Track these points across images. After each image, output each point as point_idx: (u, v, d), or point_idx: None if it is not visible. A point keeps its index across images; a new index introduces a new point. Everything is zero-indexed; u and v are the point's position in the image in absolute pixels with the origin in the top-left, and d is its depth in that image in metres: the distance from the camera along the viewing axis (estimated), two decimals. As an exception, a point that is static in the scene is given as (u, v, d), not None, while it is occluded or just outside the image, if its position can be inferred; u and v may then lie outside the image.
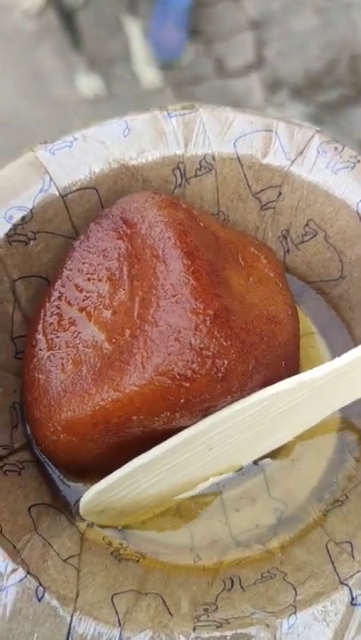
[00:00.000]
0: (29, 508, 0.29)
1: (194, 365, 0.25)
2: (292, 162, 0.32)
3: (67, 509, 0.31)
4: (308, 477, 0.32)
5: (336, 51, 1.22)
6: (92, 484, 0.29)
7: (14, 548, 0.26)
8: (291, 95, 1.19)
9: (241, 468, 0.32)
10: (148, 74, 1.24)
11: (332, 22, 1.21)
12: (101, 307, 0.29)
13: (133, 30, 1.20)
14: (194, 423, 0.27)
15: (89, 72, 1.23)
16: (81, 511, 0.30)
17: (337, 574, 0.26)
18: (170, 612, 0.27)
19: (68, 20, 1.17)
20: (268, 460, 0.32)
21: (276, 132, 0.32)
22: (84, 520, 0.30)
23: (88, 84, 1.23)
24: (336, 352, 0.34)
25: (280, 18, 1.25)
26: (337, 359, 0.28)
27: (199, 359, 0.25)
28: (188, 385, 0.25)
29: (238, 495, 0.32)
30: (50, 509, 0.30)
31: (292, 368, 0.29)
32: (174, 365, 0.25)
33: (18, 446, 0.31)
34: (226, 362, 0.26)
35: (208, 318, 0.26)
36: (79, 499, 0.30)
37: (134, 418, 0.26)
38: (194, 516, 0.32)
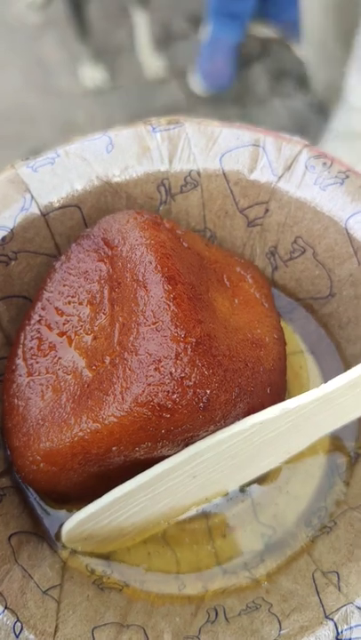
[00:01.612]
0: (9, 537, 0.28)
1: (174, 396, 0.24)
2: (280, 178, 0.31)
3: (48, 537, 0.30)
4: (297, 501, 0.31)
5: None
6: (74, 511, 0.29)
7: (-8, 581, 0.26)
8: (295, 85, 1.18)
9: (227, 494, 0.31)
10: (153, 64, 1.23)
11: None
12: (82, 331, 0.28)
13: (140, 21, 1.20)
14: (176, 452, 0.27)
15: (94, 63, 1.22)
16: (63, 539, 0.29)
17: (323, 607, 0.26)
18: (152, 646, 0.26)
19: (77, 10, 1.16)
20: (255, 485, 0.31)
21: (263, 147, 0.32)
22: (66, 547, 0.30)
23: (92, 75, 1.23)
24: (325, 371, 0.33)
25: None
26: (324, 385, 0.27)
27: (180, 389, 0.25)
28: (168, 416, 0.25)
29: (225, 521, 0.31)
30: (31, 537, 0.29)
31: (278, 393, 0.29)
32: (154, 396, 0.24)
33: (-1, 472, 0.30)
34: (208, 391, 0.25)
35: (189, 346, 0.25)
36: (61, 525, 0.29)
37: (114, 449, 0.26)
38: (180, 543, 0.31)
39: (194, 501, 0.30)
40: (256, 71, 1.23)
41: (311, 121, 1.17)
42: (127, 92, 1.24)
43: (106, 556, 0.30)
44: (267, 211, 0.32)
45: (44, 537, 0.30)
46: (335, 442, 0.32)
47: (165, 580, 0.30)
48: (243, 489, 0.31)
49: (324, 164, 0.31)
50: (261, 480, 0.32)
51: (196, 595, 0.29)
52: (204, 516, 0.31)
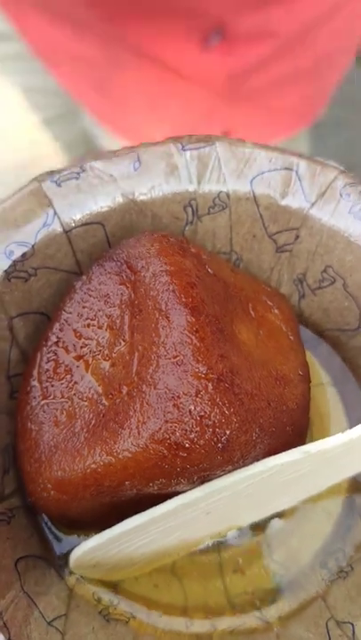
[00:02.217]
0: (16, 562, 0.28)
1: (192, 435, 0.24)
2: (313, 204, 0.30)
3: (56, 562, 0.29)
4: (313, 541, 0.30)
5: None
6: (84, 536, 0.28)
7: (-4, 611, 0.25)
8: None
9: (240, 529, 0.30)
10: None
11: None
12: (100, 357, 0.27)
13: None
14: (192, 488, 0.26)
15: None
16: (71, 565, 0.28)
17: (336, 661, 0.25)
18: None
19: None
20: (271, 520, 0.30)
21: (296, 172, 0.30)
22: (73, 574, 0.29)
23: None
24: (348, 405, 0.32)
25: None
26: (349, 431, 0.26)
27: (198, 428, 0.24)
28: (185, 455, 0.24)
29: (237, 555, 0.30)
30: (38, 561, 0.29)
31: (300, 433, 0.28)
32: (171, 434, 0.23)
33: (9, 492, 0.29)
34: (228, 432, 0.24)
35: (210, 383, 0.24)
36: (70, 551, 0.28)
37: (127, 483, 0.25)
38: (189, 575, 0.30)
39: (206, 536, 0.29)
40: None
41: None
42: None
43: (113, 585, 0.29)
44: (297, 237, 0.31)
45: (52, 562, 0.29)
46: (355, 481, 0.31)
47: (172, 612, 0.29)
48: (258, 524, 0.30)
49: None
50: (278, 516, 0.30)
51: (204, 633, 0.28)
52: (216, 549, 0.30)
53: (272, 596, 0.29)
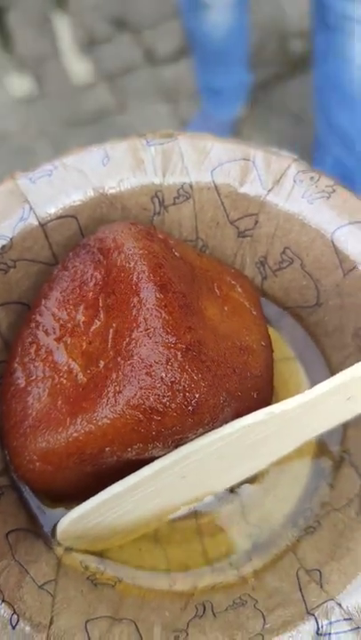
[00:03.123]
0: (7, 534, 0.29)
1: (165, 399, 0.26)
2: (269, 191, 0.33)
3: (44, 534, 0.31)
4: (284, 502, 0.33)
5: (264, 32, 1.25)
6: (69, 509, 0.30)
7: (-11, 575, 0.27)
8: None
9: (216, 495, 0.32)
10: (79, 69, 1.23)
11: (259, 4, 1.23)
12: (77, 337, 0.29)
13: (61, 26, 1.20)
14: (167, 453, 0.28)
15: (19, 72, 1.22)
16: (58, 536, 0.30)
17: (305, 603, 0.27)
18: (142, 639, 0.27)
19: None
20: (244, 486, 0.33)
21: (253, 162, 0.33)
22: (61, 545, 0.31)
23: (19, 84, 1.22)
24: (312, 377, 0.35)
25: None
26: (308, 391, 0.28)
27: (170, 393, 0.26)
28: (159, 418, 0.26)
29: (214, 520, 0.32)
30: (28, 534, 0.31)
31: (265, 399, 0.30)
32: (145, 399, 0.26)
33: (-3, 471, 0.31)
34: (197, 395, 0.26)
35: (179, 352, 0.26)
36: (56, 523, 0.30)
37: (107, 449, 0.27)
38: (170, 541, 0.32)
39: (184, 501, 0.31)
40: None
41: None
42: (56, 99, 1.24)
43: (99, 554, 0.31)
44: (256, 222, 0.33)
45: (40, 534, 0.31)
46: (321, 446, 0.33)
47: (156, 577, 0.31)
48: (232, 490, 0.33)
49: (312, 178, 0.33)
50: (250, 481, 0.33)
51: (186, 591, 0.30)
52: (194, 515, 0.32)
53: (247, 555, 0.32)
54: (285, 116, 1.17)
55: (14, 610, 0.26)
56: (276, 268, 0.34)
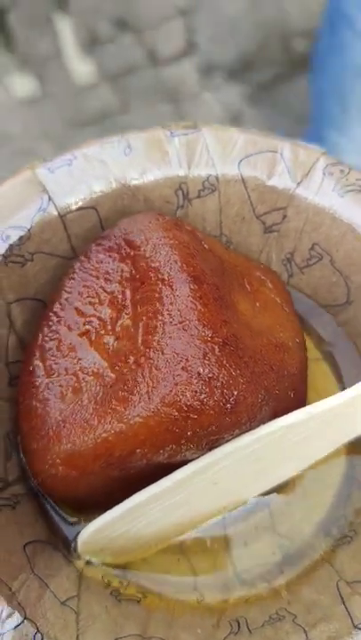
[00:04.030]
0: (24, 546, 0.27)
1: (202, 396, 0.24)
2: (298, 184, 0.31)
3: (64, 546, 0.29)
4: (315, 511, 0.31)
5: (267, 31, 1.24)
6: (90, 520, 0.28)
7: (10, 590, 0.25)
8: (226, 77, 1.20)
9: (246, 503, 0.30)
10: (81, 70, 1.23)
11: (260, 3, 1.23)
12: (103, 332, 0.27)
13: (63, 26, 1.19)
14: (199, 456, 0.26)
15: (21, 72, 1.22)
16: (79, 548, 0.28)
17: (350, 617, 0.25)
18: (174, 658, 0.25)
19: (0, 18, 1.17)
20: (273, 494, 0.31)
21: (280, 154, 0.32)
22: (81, 557, 0.29)
23: (21, 84, 1.22)
24: (343, 378, 0.33)
25: (208, 3, 1.26)
26: (348, 390, 0.26)
27: (207, 389, 0.24)
28: (195, 417, 0.24)
29: (242, 531, 0.30)
30: (46, 546, 0.28)
31: (301, 399, 0.28)
32: (182, 396, 0.24)
33: (12, 479, 0.29)
34: (235, 392, 0.24)
35: (217, 346, 0.24)
36: (77, 535, 0.28)
37: (138, 451, 0.25)
38: (196, 553, 0.30)
39: (213, 511, 0.30)
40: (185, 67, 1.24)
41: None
42: (59, 99, 1.23)
43: (122, 567, 0.29)
44: (284, 217, 0.32)
45: (59, 547, 0.29)
46: (353, 449, 0.32)
47: (183, 590, 0.29)
48: (261, 501, 0.31)
49: (342, 171, 0.31)
50: (279, 490, 0.31)
51: (216, 605, 0.28)
52: (222, 526, 0.30)
53: (278, 567, 0.30)
54: (288, 115, 1.17)
55: (37, 628, 0.24)
56: (304, 265, 0.33)
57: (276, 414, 0.26)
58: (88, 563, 0.29)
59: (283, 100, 1.20)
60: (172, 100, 1.22)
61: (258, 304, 0.29)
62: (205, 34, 1.24)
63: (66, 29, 1.20)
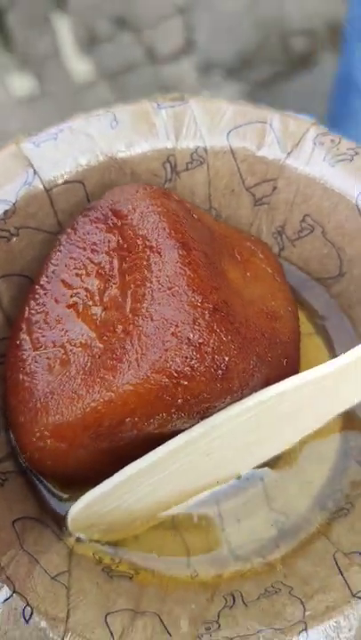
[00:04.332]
0: (13, 522, 0.27)
1: (193, 362, 0.23)
2: (288, 154, 0.31)
3: (53, 523, 0.28)
4: (310, 485, 0.30)
5: (266, 30, 1.24)
6: (79, 496, 0.27)
7: (-3, 564, 0.24)
8: (225, 76, 1.20)
9: (239, 477, 0.30)
10: (80, 68, 1.23)
11: (259, 2, 1.23)
12: (91, 303, 0.27)
13: (61, 25, 1.19)
14: (191, 426, 0.26)
15: (20, 72, 1.22)
16: (69, 525, 0.28)
17: (348, 587, 0.25)
18: (168, 632, 0.25)
19: None
20: (266, 468, 0.30)
21: (270, 124, 0.31)
22: (72, 534, 0.28)
23: (20, 83, 1.21)
24: (335, 350, 0.33)
25: (207, 1, 1.26)
26: (343, 356, 0.26)
27: (198, 355, 0.24)
28: (186, 383, 0.24)
29: (236, 506, 0.30)
30: (35, 523, 0.28)
31: (293, 367, 0.28)
32: (172, 362, 0.23)
33: (1, 456, 0.29)
34: (226, 358, 0.24)
35: (207, 312, 0.24)
36: (67, 512, 0.28)
37: (128, 420, 0.24)
38: (189, 529, 0.29)
39: (205, 484, 0.29)
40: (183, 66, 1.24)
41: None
42: (57, 98, 1.23)
43: (113, 544, 0.29)
44: (275, 188, 0.32)
45: (49, 523, 0.28)
46: (348, 422, 0.31)
47: (176, 566, 0.28)
48: (254, 472, 0.30)
49: (333, 140, 0.31)
50: (273, 464, 0.30)
51: (210, 581, 0.28)
52: (215, 501, 0.30)
53: (274, 541, 0.29)
54: None
55: (27, 602, 0.23)
56: (295, 237, 0.32)
57: (269, 382, 0.26)
58: (78, 540, 0.28)
59: (281, 99, 1.20)
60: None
61: (248, 274, 0.29)
62: (204, 32, 1.24)
63: (64, 28, 1.19)
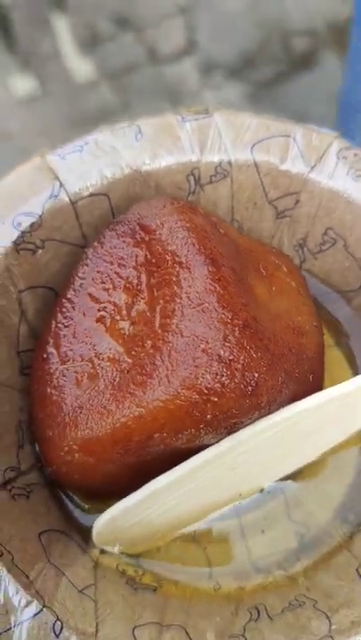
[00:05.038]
0: (39, 535, 0.27)
1: (223, 378, 0.24)
2: (312, 168, 0.31)
3: (78, 535, 0.29)
4: (331, 498, 0.31)
5: (267, 30, 1.25)
6: (104, 508, 0.27)
7: (27, 578, 0.24)
8: (226, 76, 1.20)
9: (262, 491, 0.30)
10: (81, 68, 1.23)
11: (260, 2, 1.24)
12: (118, 317, 0.27)
13: (61, 25, 1.18)
14: (217, 441, 0.26)
15: (22, 72, 1.21)
16: (94, 538, 0.28)
17: (373, 601, 0.25)
18: (195, 645, 0.25)
19: (2, 19, 1.15)
20: (288, 481, 0.30)
21: (293, 138, 0.31)
22: (96, 547, 0.28)
23: (22, 84, 1.21)
24: (356, 366, 0.33)
25: (208, 1, 1.26)
26: (367, 372, 0.26)
27: (228, 372, 0.24)
28: (216, 399, 0.24)
29: (257, 519, 0.30)
30: (60, 536, 0.28)
31: (318, 383, 0.28)
32: (202, 378, 0.24)
33: (25, 468, 0.29)
34: (256, 375, 0.24)
35: (237, 328, 0.24)
36: (92, 524, 0.28)
37: (156, 436, 0.25)
38: (211, 542, 0.30)
39: (228, 498, 0.29)
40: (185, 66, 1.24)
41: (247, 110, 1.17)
42: (59, 99, 1.23)
43: (136, 556, 0.29)
44: (297, 202, 0.32)
45: (74, 536, 0.28)
46: (369, 436, 0.31)
47: (199, 579, 0.29)
48: (276, 485, 0.30)
49: (356, 154, 0.31)
50: (294, 477, 0.31)
51: (233, 593, 0.28)
52: (236, 514, 0.30)
53: (295, 554, 0.29)
54: (289, 114, 1.17)
55: (57, 616, 0.24)
56: (317, 250, 0.33)
57: (296, 397, 0.26)
58: (103, 552, 0.28)
59: (283, 99, 1.20)
60: (173, 99, 1.22)
61: (274, 288, 0.29)
62: (206, 32, 1.24)
63: (63, 28, 1.19)
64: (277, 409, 0.26)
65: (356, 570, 0.27)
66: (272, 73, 1.23)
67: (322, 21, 1.26)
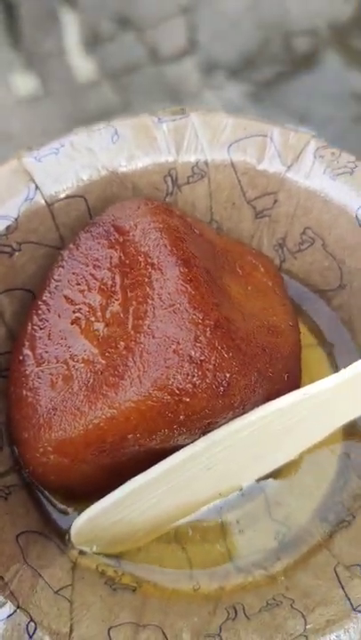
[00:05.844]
0: (17, 536, 0.27)
1: (194, 379, 0.24)
2: (289, 167, 0.31)
3: (57, 536, 0.29)
4: (311, 497, 0.31)
5: (268, 30, 1.24)
6: (83, 509, 0.27)
7: (2, 579, 0.24)
8: (227, 76, 1.20)
9: (241, 489, 0.30)
10: (83, 67, 1.23)
11: (261, 2, 1.23)
12: (93, 319, 0.27)
13: (69, 22, 1.18)
14: (192, 441, 0.26)
15: (24, 71, 1.21)
16: (73, 538, 0.28)
17: (349, 600, 0.25)
18: (171, 646, 0.25)
19: (9, 17, 1.15)
20: (268, 480, 0.30)
21: (270, 138, 0.31)
22: (75, 547, 0.28)
23: (24, 82, 1.21)
24: (337, 363, 0.33)
25: (210, 1, 1.26)
26: (344, 370, 0.26)
27: (200, 372, 0.24)
28: (187, 400, 0.24)
29: (237, 518, 0.30)
30: (39, 537, 0.28)
31: (295, 382, 0.28)
32: (173, 379, 0.24)
33: (3, 470, 0.29)
34: (228, 375, 0.24)
35: (208, 329, 0.24)
36: (70, 525, 0.28)
37: (130, 436, 0.25)
38: (191, 541, 0.30)
39: (207, 497, 0.29)
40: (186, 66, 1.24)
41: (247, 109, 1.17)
42: (60, 98, 1.23)
43: (116, 557, 0.29)
44: (275, 201, 0.32)
45: (52, 537, 0.28)
46: (349, 435, 0.31)
47: (178, 579, 0.29)
48: (257, 482, 0.30)
49: (333, 154, 0.31)
50: (274, 476, 0.31)
51: (213, 593, 0.28)
52: (217, 513, 0.30)
53: (275, 553, 0.29)
54: (289, 114, 1.17)
55: (31, 617, 0.24)
56: (296, 249, 0.33)
57: (270, 397, 0.26)
58: (82, 553, 0.28)
59: (284, 99, 1.20)
60: (174, 99, 1.22)
61: (250, 288, 0.29)
62: (207, 32, 1.24)
63: (72, 26, 1.19)
64: (252, 408, 0.26)
65: (334, 569, 0.27)
66: (273, 73, 1.23)
67: (323, 21, 1.26)
